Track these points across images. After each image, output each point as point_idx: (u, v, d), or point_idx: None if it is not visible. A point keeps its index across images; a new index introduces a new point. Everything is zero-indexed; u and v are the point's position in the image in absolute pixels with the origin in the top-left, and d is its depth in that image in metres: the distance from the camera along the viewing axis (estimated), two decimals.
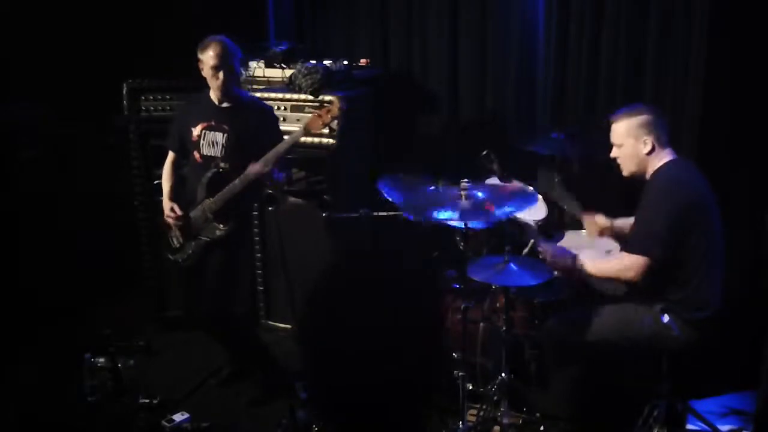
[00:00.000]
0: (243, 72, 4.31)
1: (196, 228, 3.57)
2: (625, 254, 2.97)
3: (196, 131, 3.53)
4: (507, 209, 3.09)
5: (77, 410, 3.60)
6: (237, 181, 3.43)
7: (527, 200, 3.17)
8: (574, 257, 3.07)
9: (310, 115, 4.02)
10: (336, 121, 3.53)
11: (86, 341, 3.79)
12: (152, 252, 4.43)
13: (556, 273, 3.17)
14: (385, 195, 3.49)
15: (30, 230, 4.47)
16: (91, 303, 4.50)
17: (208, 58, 3.40)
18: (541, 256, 3.33)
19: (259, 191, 3.78)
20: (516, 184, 3.70)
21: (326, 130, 3.99)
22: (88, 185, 4.60)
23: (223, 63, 3.39)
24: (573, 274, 3.12)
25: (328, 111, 3.41)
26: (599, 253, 3.34)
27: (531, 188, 3.73)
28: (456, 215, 3.06)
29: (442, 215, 3.06)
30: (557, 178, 3.86)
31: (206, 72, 3.44)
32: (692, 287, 2.94)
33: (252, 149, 3.43)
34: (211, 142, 3.51)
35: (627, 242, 3.05)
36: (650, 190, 3.00)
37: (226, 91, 3.47)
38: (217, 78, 3.42)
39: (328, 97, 3.99)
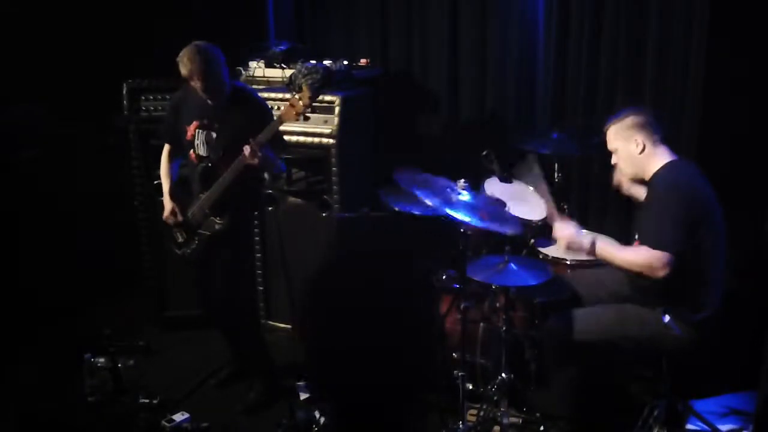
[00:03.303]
0: (243, 71, 4.31)
1: (196, 222, 3.58)
2: (651, 250, 2.85)
3: (190, 130, 3.51)
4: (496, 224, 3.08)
5: (77, 410, 3.61)
6: (227, 172, 3.40)
7: (510, 227, 3.13)
8: (593, 241, 3.00)
9: (310, 115, 4.05)
10: (309, 110, 3.42)
11: (86, 341, 3.79)
12: (152, 252, 4.43)
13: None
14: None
15: (30, 230, 4.47)
16: (91, 303, 4.50)
17: (189, 76, 3.33)
18: (541, 255, 3.33)
19: (256, 186, 3.74)
20: (516, 184, 3.70)
21: (327, 130, 4.01)
22: (88, 185, 4.60)
23: (204, 78, 3.31)
24: (585, 254, 3.06)
25: (300, 99, 3.34)
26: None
27: (531, 189, 3.73)
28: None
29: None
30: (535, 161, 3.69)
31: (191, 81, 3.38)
32: (694, 287, 2.94)
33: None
34: (204, 141, 3.50)
35: (645, 240, 2.93)
36: (652, 194, 3.00)
37: (214, 98, 3.42)
38: (206, 94, 3.37)
39: (328, 97, 3.99)
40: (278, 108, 4.10)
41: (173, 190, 3.65)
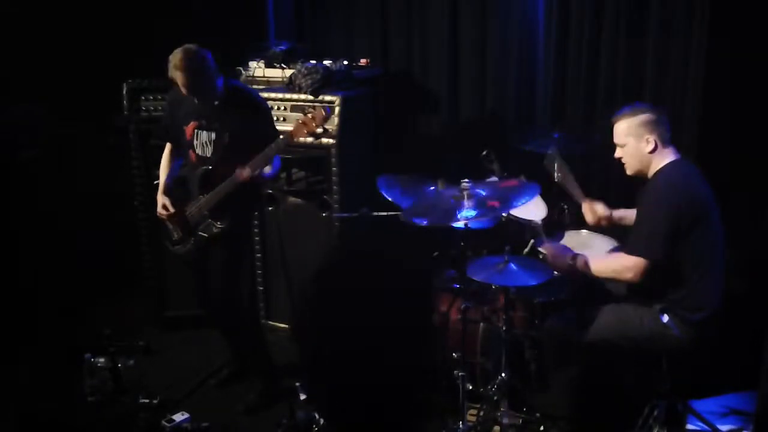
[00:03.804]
0: (243, 71, 4.31)
1: (194, 223, 3.57)
2: (624, 255, 2.96)
3: (188, 131, 3.51)
4: (513, 203, 3.09)
5: (77, 410, 3.61)
6: (224, 183, 3.40)
7: (529, 192, 3.15)
8: (575, 256, 3.06)
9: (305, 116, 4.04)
10: (321, 129, 3.46)
11: (86, 341, 3.79)
12: (152, 252, 4.43)
13: (555, 272, 3.16)
14: (384, 193, 3.43)
15: (30, 230, 4.47)
16: (91, 303, 4.50)
17: (173, 80, 3.32)
18: (541, 255, 3.33)
19: (256, 189, 3.74)
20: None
21: (327, 130, 4.01)
22: (88, 185, 4.60)
23: (193, 86, 3.31)
24: (572, 273, 3.12)
25: (313, 118, 3.34)
26: (599, 252, 3.34)
27: None
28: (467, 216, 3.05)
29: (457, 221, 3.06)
30: (558, 156, 3.75)
31: None
32: (691, 287, 2.94)
33: (245, 147, 3.37)
34: (203, 141, 3.49)
35: (627, 243, 3.04)
36: (651, 191, 3.00)
37: (200, 100, 3.41)
38: (191, 96, 3.37)
39: (328, 97, 3.99)
40: (278, 108, 4.10)
41: (168, 186, 3.64)
